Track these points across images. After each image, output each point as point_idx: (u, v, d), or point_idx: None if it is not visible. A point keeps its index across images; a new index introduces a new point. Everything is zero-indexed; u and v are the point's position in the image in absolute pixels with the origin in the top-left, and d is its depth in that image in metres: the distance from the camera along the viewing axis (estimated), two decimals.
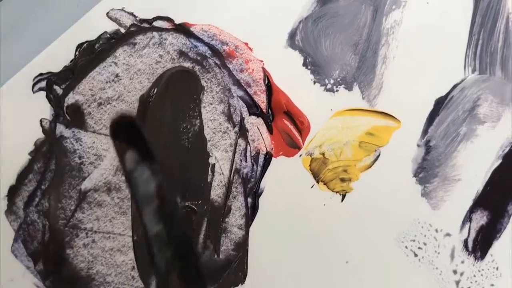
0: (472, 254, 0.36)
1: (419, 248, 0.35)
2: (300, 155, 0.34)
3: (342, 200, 0.35)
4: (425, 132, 0.35)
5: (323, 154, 0.34)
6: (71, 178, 0.31)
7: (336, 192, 0.35)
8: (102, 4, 0.31)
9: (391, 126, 0.35)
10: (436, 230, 0.36)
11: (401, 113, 0.35)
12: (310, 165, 0.34)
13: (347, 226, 0.35)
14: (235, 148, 0.33)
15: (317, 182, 0.35)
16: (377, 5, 0.34)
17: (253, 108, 0.33)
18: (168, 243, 0.24)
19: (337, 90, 0.34)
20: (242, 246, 0.33)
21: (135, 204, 0.23)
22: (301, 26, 0.33)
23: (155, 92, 0.30)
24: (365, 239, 0.35)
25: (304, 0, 0.33)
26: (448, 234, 0.36)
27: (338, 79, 0.34)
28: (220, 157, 0.33)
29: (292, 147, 0.34)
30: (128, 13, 0.31)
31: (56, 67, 0.31)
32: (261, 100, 0.33)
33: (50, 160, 0.31)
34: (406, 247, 0.35)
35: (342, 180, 0.35)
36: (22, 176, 0.30)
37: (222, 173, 0.33)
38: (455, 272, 0.36)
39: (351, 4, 0.34)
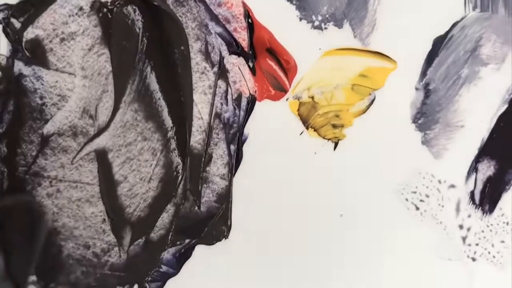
0: (480, 208, 0.34)
1: (421, 200, 0.33)
2: (287, 99, 0.32)
3: (334, 148, 0.33)
4: (423, 74, 0.33)
5: (312, 97, 0.32)
6: (32, 121, 0.28)
7: (328, 139, 0.32)
8: None
9: (386, 67, 0.33)
10: (439, 181, 0.33)
11: (397, 53, 0.33)
12: (298, 110, 0.32)
13: (340, 176, 0.32)
14: (214, 91, 0.31)
15: (307, 128, 0.32)
16: None
17: (233, 46, 0.31)
18: None
19: (325, 28, 0.32)
20: (225, 197, 0.31)
21: None
22: None
23: None
24: (361, 191, 0.32)
25: None
26: (452, 186, 0.34)
27: (327, 16, 0.32)
28: (198, 100, 0.31)
29: (278, 89, 0.32)
30: None
31: None
32: (242, 37, 0.31)
33: (8, 101, 0.28)
34: (406, 199, 0.33)
35: (334, 126, 0.32)
36: None
37: (201, 118, 0.30)
38: (461, 227, 0.33)
39: None
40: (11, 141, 0.29)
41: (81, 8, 0.30)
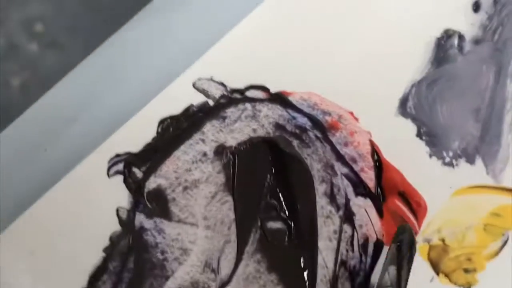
0: None
1: None
2: (416, 243, 0.31)
3: None
4: None
5: (443, 240, 0.32)
6: (153, 278, 0.28)
7: (459, 286, 0.32)
8: (188, 73, 0.30)
9: None
10: None
11: None
12: (428, 254, 0.31)
13: None
14: (339, 236, 0.31)
15: (437, 274, 0.32)
16: (500, 65, 0.32)
17: (359, 187, 0.31)
18: None
19: (457, 164, 0.32)
20: None
21: None
22: (414, 91, 0.31)
23: None
24: None
25: (417, 61, 0.32)
26: None
27: (458, 151, 0.32)
28: (323, 247, 0.30)
29: None
30: (218, 82, 0.30)
31: (136, 146, 0.29)
32: (369, 177, 0.31)
33: (128, 258, 0.28)
34: None
35: (466, 270, 0.32)
36: (95, 278, 0.29)
37: (326, 266, 0.30)
38: None
39: (470, 65, 0.32)
40: None
41: (205, 154, 0.31)
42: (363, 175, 0.34)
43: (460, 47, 0.35)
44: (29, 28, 0.39)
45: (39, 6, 0.40)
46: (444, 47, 0.35)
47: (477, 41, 0.36)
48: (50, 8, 0.40)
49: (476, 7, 0.35)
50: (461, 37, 0.35)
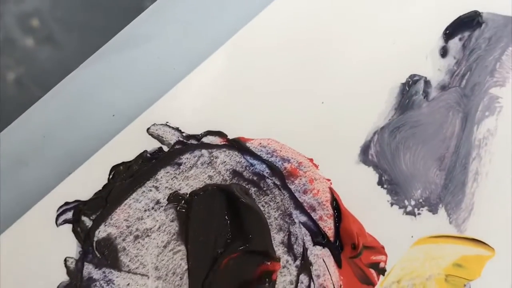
0: None
1: None
2: None
3: None
4: None
5: None
6: None
7: None
8: (143, 117, 0.30)
9: (483, 256, 0.34)
10: None
11: (495, 240, 0.35)
12: None
13: None
14: (295, 287, 0.31)
15: None
16: (467, 111, 0.33)
17: (318, 236, 0.32)
18: None
19: (419, 214, 0.33)
20: None
21: None
22: (376, 138, 0.32)
23: None
24: None
25: (380, 108, 0.32)
26: None
27: (421, 200, 0.33)
28: None
29: (365, 283, 0.33)
30: (173, 128, 0.30)
31: (86, 194, 0.30)
32: (328, 226, 0.32)
33: None
34: None
35: None
36: None
37: None
38: None
39: (436, 111, 0.33)
40: None
41: (158, 202, 0.31)
42: (322, 224, 0.35)
43: (426, 93, 0.36)
44: (25, 23, 0.39)
45: (35, 1, 0.40)
46: (409, 93, 0.36)
47: (443, 87, 0.36)
48: (46, 3, 0.40)
49: (444, 52, 0.36)
50: (427, 83, 0.36)
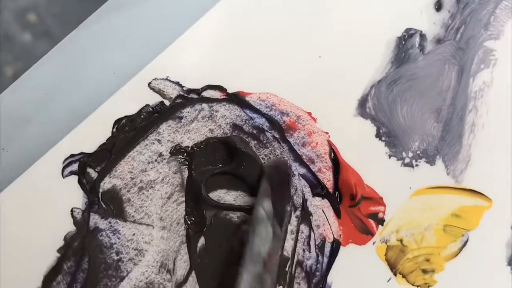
0: None
1: None
2: (374, 243, 0.34)
3: None
4: None
5: (401, 240, 0.34)
6: (107, 279, 0.30)
7: (417, 286, 0.34)
8: (143, 73, 0.31)
9: (481, 206, 0.35)
10: None
11: (492, 190, 0.35)
12: (385, 255, 0.34)
13: None
14: (296, 236, 0.33)
15: (395, 274, 0.34)
16: (462, 64, 0.34)
17: (317, 188, 0.33)
18: None
19: (417, 165, 0.34)
20: None
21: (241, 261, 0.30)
22: (373, 92, 0.33)
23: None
24: None
25: (377, 62, 0.33)
26: None
27: (418, 152, 0.34)
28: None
29: (364, 233, 0.34)
30: (174, 82, 0.31)
31: (90, 147, 0.31)
32: (327, 178, 0.33)
33: (82, 258, 0.31)
34: None
35: (424, 271, 0.34)
36: (49, 278, 0.31)
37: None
38: None
39: (432, 65, 0.34)
40: None
41: (160, 154, 0.33)
42: (320, 176, 0.37)
43: (422, 47, 0.37)
44: (22, 18, 0.40)
45: None
46: (405, 46, 0.37)
47: (439, 40, 0.37)
48: None
49: (439, 6, 0.37)
50: (422, 37, 0.37)
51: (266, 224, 0.32)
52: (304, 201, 0.37)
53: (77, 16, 0.41)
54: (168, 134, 0.36)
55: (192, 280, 0.35)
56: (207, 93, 0.36)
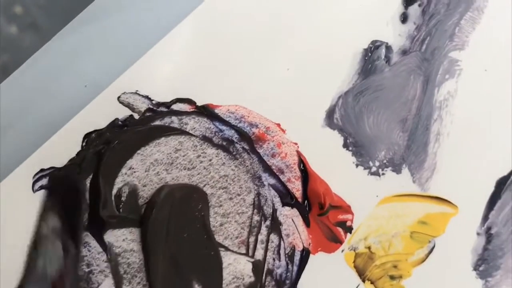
0: None
1: None
2: (342, 251, 0.35)
3: None
4: (485, 218, 0.37)
5: (369, 248, 0.35)
6: None
7: None
8: (113, 87, 0.32)
9: (446, 213, 0.36)
10: None
11: (457, 198, 0.37)
12: (354, 262, 0.35)
13: None
14: (266, 246, 0.34)
15: (363, 281, 0.35)
16: (428, 75, 0.35)
17: (286, 197, 0.34)
18: None
19: (383, 174, 0.35)
20: None
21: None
22: (341, 102, 0.35)
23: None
24: None
25: (344, 73, 0.35)
26: None
27: (385, 161, 0.35)
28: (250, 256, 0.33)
29: (333, 241, 0.35)
30: (143, 96, 0.32)
31: (60, 161, 0.31)
32: (296, 188, 0.34)
33: None
34: None
35: (392, 277, 0.36)
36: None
37: (252, 276, 0.33)
38: None
39: (397, 76, 0.35)
40: None
41: (130, 167, 0.33)
42: (290, 186, 0.38)
43: (387, 58, 0.38)
44: (8, 10, 0.41)
45: None
46: (371, 58, 0.38)
47: (404, 52, 0.39)
48: None
49: (404, 18, 0.38)
50: (388, 48, 0.38)
51: (53, 242, 0.30)
52: (274, 211, 0.38)
53: (64, 7, 0.41)
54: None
55: None
56: (176, 106, 0.37)
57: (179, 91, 0.37)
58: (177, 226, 0.33)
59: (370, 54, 0.38)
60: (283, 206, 0.38)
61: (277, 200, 0.38)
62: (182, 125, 0.36)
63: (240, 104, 0.37)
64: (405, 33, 0.39)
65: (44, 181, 0.35)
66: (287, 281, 0.38)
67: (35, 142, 0.35)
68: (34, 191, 0.35)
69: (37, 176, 0.35)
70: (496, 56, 0.40)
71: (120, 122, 0.36)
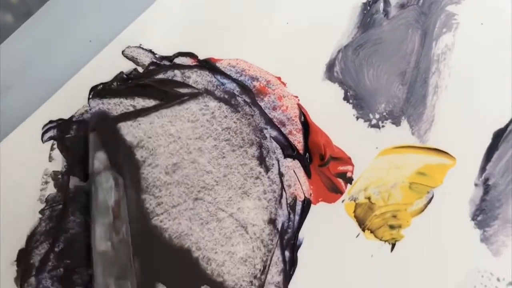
0: None
1: None
2: (343, 201, 0.36)
3: (391, 250, 0.37)
4: (483, 169, 0.38)
5: (368, 198, 0.37)
6: (88, 238, 0.32)
7: (385, 241, 0.37)
8: (117, 42, 0.33)
9: (445, 164, 0.37)
10: (498, 279, 0.38)
11: (455, 149, 0.38)
12: (354, 212, 0.37)
13: (397, 279, 0.37)
14: (269, 196, 0.35)
15: (363, 230, 0.37)
16: (425, 28, 0.36)
17: (288, 149, 0.36)
18: (112, 264, 0.32)
19: (383, 126, 0.36)
20: None
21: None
22: (340, 56, 0.36)
23: None
24: None
25: (343, 27, 0.36)
26: (511, 284, 0.38)
27: (384, 113, 0.36)
28: (253, 206, 0.35)
29: (334, 191, 0.36)
30: (146, 50, 0.34)
31: (68, 113, 0.33)
32: (297, 140, 0.35)
33: (64, 219, 0.32)
34: None
35: (391, 227, 0.37)
36: (32, 238, 0.32)
37: (255, 224, 0.35)
38: None
39: (396, 29, 0.36)
40: (70, 260, 0.34)
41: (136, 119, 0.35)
42: (291, 138, 0.39)
43: (386, 12, 0.39)
44: None
45: None
46: (370, 12, 0.39)
47: (402, 5, 0.40)
48: None
49: None
50: (386, 2, 0.39)
51: (106, 175, 0.34)
52: (276, 162, 0.40)
53: None
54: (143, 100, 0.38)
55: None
56: (179, 60, 0.38)
57: (181, 45, 0.38)
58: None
59: (369, 8, 0.39)
60: (284, 157, 0.39)
61: (279, 152, 0.39)
62: (184, 78, 0.38)
63: (241, 58, 0.38)
64: None
65: (52, 132, 0.36)
66: (289, 230, 0.39)
67: (43, 97, 0.36)
68: (43, 141, 0.36)
69: (46, 127, 0.36)
70: (492, 10, 0.41)
71: (125, 76, 0.37)
